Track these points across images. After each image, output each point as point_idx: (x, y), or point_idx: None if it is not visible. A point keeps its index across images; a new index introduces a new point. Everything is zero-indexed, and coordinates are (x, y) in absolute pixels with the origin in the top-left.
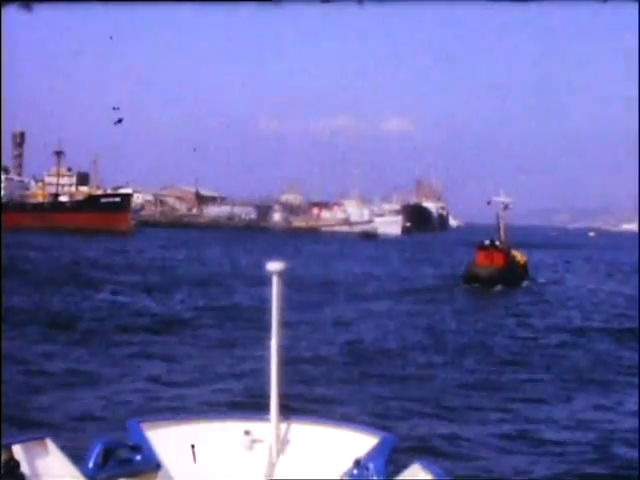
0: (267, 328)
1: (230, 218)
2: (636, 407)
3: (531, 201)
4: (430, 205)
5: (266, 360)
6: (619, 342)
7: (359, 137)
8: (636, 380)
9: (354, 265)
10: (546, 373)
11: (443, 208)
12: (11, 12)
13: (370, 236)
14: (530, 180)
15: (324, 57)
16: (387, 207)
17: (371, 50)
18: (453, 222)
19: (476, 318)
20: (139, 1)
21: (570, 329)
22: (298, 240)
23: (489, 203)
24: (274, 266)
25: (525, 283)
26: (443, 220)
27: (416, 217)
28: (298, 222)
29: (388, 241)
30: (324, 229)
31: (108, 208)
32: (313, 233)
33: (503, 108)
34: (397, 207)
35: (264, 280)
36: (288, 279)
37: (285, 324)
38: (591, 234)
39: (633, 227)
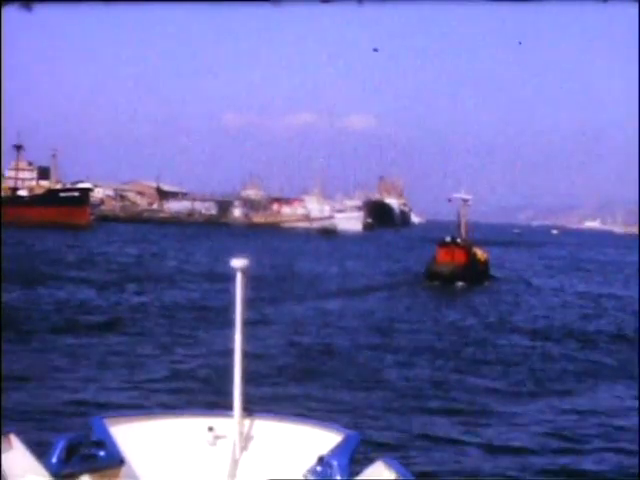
0: (216, 325)
1: (190, 214)
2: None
3: (495, 199)
4: (392, 201)
5: (208, 358)
6: (583, 344)
7: (322, 133)
8: (599, 384)
9: (312, 261)
10: (502, 375)
11: (405, 204)
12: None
13: (329, 232)
14: (494, 178)
15: (287, 54)
16: (349, 203)
17: (334, 47)
18: (415, 218)
19: (435, 317)
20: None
21: (531, 330)
22: (257, 236)
23: (450, 200)
24: (238, 262)
25: (486, 281)
26: (405, 216)
27: (378, 213)
28: (258, 218)
29: (348, 237)
30: (284, 225)
31: (67, 202)
32: (273, 229)
33: (468, 106)
34: (359, 203)
35: (219, 277)
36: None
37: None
38: (554, 232)
39: (596, 225)
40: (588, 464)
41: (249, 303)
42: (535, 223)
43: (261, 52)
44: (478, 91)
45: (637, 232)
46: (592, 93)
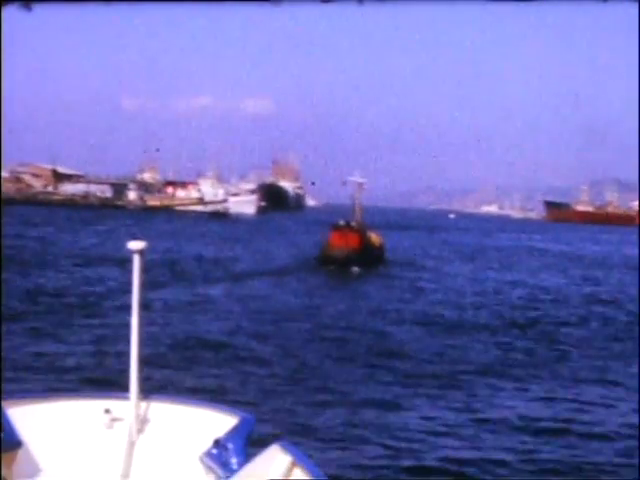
0: (98, 314)
1: (85, 196)
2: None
3: (393, 183)
4: (287, 184)
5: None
6: (474, 335)
7: (219, 117)
8: (490, 381)
9: (201, 245)
10: (390, 370)
11: (300, 188)
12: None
13: (220, 215)
14: (392, 162)
15: (186, 37)
16: (245, 187)
17: (232, 31)
18: (311, 202)
19: (325, 304)
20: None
21: (423, 319)
22: (150, 219)
23: (344, 183)
24: (135, 245)
25: (381, 265)
26: (300, 200)
27: (272, 197)
28: (153, 201)
29: (241, 221)
30: (178, 208)
31: None
32: (167, 212)
33: (363, 90)
34: (254, 187)
35: (103, 260)
36: (130, 260)
37: (120, 308)
38: (451, 216)
39: (493, 209)
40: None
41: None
42: (433, 207)
43: (160, 35)
44: (382, 79)
45: (534, 217)
46: (493, 83)
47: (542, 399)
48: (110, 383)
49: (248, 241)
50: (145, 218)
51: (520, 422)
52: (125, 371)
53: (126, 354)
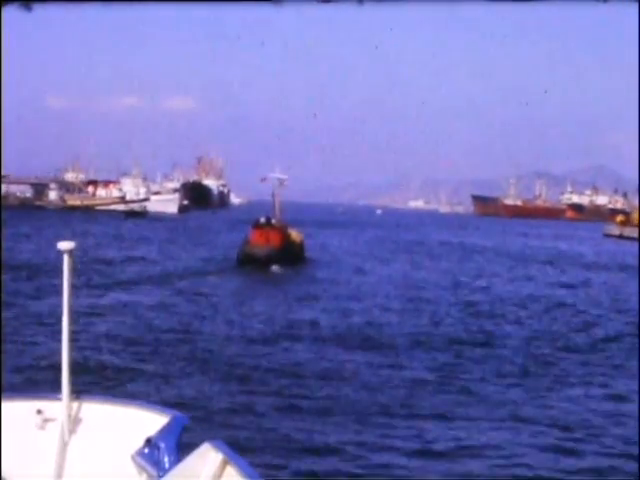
0: None
1: (4, 196)
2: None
3: (320, 178)
4: (210, 182)
5: None
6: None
7: (143, 116)
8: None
9: (115, 247)
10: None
11: (224, 185)
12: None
13: (137, 214)
14: (319, 158)
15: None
16: (169, 185)
17: (156, 32)
18: (236, 199)
19: (243, 308)
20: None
21: (342, 324)
22: (65, 220)
23: (263, 180)
24: (64, 245)
25: (302, 263)
26: (224, 197)
27: (195, 195)
28: (73, 200)
29: (160, 220)
30: (100, 208)
31: None
32: (88, 212)
33: (286, 87)
34: (177, 185)
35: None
36: (39, 263)
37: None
38: (379, 212)
39: (420, 204)
40: None
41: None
42: (360, 203)
43: (90, 35)
44: (306, 74)
45: (462, 211)
46: (420, 78)
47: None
48: None
49: (167, 241)
50: (62, 218)
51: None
52: None
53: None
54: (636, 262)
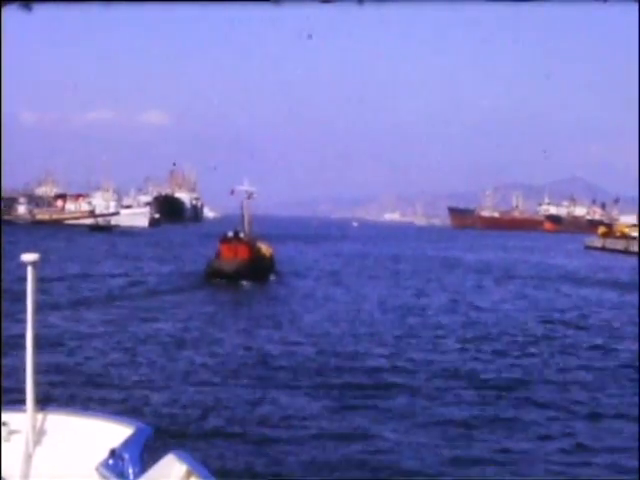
0: None
1: None
2: None
3: (295, 191)
4: (183, 196)
5: None
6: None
7: (117, 129)
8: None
9: (70, 263)
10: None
11: (197, 199)
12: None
13: (102, 229)
14: (294, 170)
15: (87, 51)
16: (143, 199)
17: (131, 45)
18: (210, 213)
19: (212, 327)
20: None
21: (313, 341)
22: (31, 234)
23: (232, 192)
24: (28, 257)
25: (271, 278)
26: (197, 211)
27: (167, 208)
28: (42, 214)
29: (129, 234)
30: (69, 222)
31: None
32: (56, 226)
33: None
34: (150, 199)
35: None
36: None
37: None
38: (354, 224)
39: (396, 216)
40: None
41: None
42: (335, 215)
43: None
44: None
45: (438, 223)
46: (397, 89)
47: None
48: None
49: (133, 256)
50: (27, 233)
51: None
52: None
53: None
54: (633, 277)
